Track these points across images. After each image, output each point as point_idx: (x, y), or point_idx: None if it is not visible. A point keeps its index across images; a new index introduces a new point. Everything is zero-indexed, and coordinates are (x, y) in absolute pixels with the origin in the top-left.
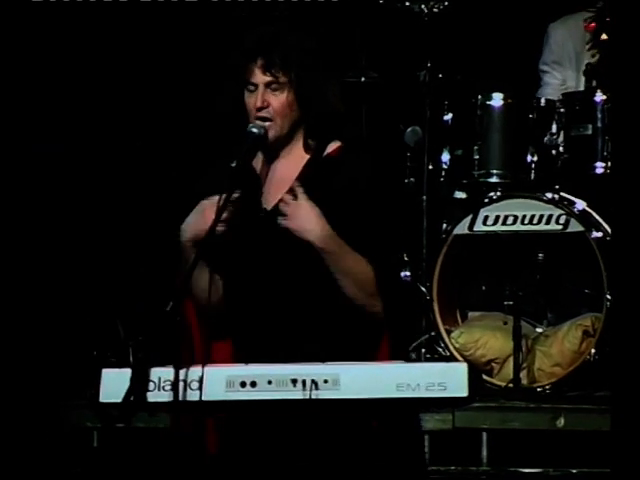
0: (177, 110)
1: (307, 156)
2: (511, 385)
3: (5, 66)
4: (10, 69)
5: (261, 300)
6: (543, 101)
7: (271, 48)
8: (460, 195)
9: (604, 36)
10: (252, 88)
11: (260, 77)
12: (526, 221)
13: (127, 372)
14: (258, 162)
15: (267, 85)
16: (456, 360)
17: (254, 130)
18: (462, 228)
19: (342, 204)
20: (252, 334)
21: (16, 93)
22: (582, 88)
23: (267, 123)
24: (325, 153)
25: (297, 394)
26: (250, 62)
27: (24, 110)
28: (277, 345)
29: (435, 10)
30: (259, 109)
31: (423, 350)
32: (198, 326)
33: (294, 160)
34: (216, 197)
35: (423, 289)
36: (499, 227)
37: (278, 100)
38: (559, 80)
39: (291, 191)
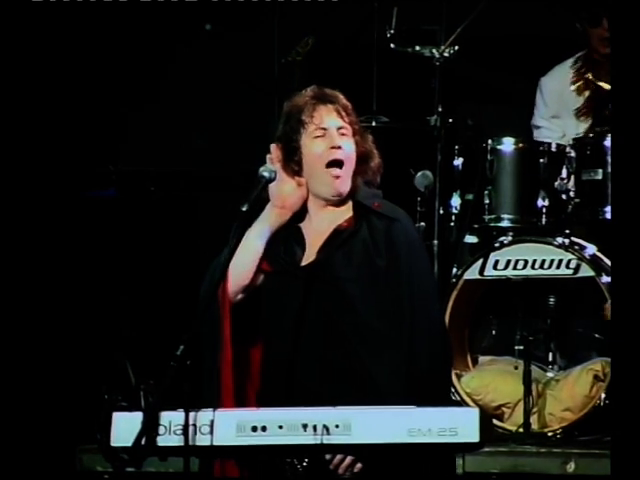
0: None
1: (351, 208)
2: (522, 430)
3: (4, 65)
4: (10, 68)
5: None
6: (554, 146)
7: (334, 99)
8: (471, 239)
9: (590, 75)
10: (320, 133)
11: (333, 120)
12: (537, 266)
13: (138, 416)
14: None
15: (338, 129)
16: (466, 405)
17: (265, 174)
18: (473, 273)
19: (398, 254)
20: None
21: (16, 93)
22: (581, 132)
23: (337, 171)
24: (370, 206)
25: (308, 439)
26: (319, 106)
27: (23, 110)
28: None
29: (446, 55)
30: (335, 147)
31: None
32: (230, 329)
33: (340, 211)
34: None
35: None
36: (510, 272)
37: (347, 145)
38: (558, 133)
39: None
